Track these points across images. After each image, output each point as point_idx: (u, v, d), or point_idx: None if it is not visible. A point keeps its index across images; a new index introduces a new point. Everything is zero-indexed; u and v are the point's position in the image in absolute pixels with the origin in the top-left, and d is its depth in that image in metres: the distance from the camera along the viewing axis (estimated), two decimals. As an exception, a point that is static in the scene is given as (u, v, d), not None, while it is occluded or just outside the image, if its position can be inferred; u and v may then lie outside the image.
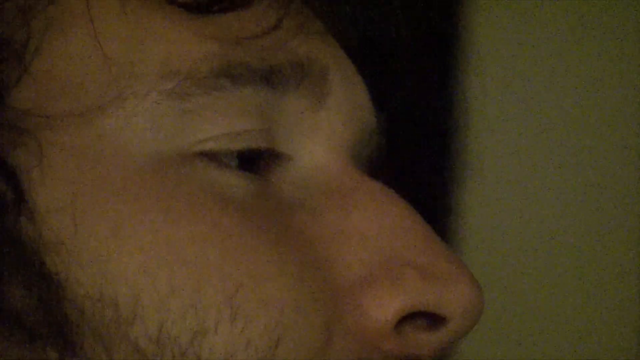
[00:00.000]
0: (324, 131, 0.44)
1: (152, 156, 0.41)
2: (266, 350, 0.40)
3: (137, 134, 0.41)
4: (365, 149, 0.47)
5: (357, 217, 0.43)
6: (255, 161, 0.43)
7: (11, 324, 0.39)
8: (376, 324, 0.42)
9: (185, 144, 0.41)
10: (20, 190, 0.39)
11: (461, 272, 0.43)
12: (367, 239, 0.43)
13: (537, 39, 1.08)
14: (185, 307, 0.39)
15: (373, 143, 0.47)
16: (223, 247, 0.40)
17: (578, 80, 1.07)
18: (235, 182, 0.42)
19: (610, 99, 1.07)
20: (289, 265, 0.41)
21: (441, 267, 0.43)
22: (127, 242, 0.40)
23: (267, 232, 0.42)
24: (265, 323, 0.40)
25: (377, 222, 0.44)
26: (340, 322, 0.42)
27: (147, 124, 0.41)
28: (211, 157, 0.41)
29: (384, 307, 0.42)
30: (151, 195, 0.40)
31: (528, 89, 1.09)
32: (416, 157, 1.02)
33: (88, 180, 0.40)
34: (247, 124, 0.42)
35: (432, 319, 0.43)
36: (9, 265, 0.39)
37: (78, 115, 0.40)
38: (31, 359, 0.39)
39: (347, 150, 0.45)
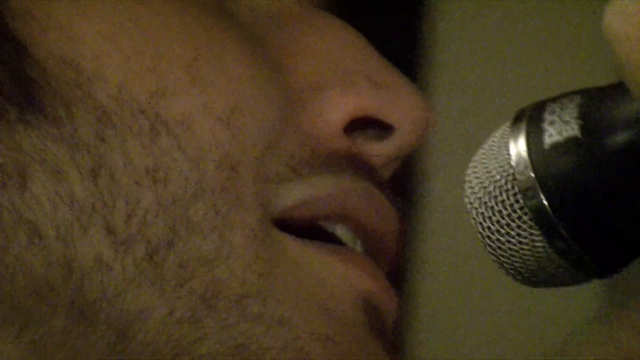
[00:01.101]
0: None
1: None
2: (222, 115, 0.42)
3: None
4: None
5: (311, 35, 0.46)
6: None
7: None
8: (327, 123, 0.45)
9: None
10: None
11: (409, 85, 0.46)
12: (320, 53, 0.46)
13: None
14: (145, 68, 0.42)
15: None
16: (183, 20, 0.43)
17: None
18: None
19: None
20: (247, 46, 0.44)
21: (391, 79, 0.46)
22: (89, 10, 0.42)
23: (225, 20, 0.44)
24: (223, 89, 0.43)
25: (330, 40, 0.46)
26: (293, 119, 0.44)
27: None
28: None
29: (335, 107, 0.45)
30: None
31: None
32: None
33: None
34: None
35: (382, 130, 0.45)
36: None
37: None
38: None
39: None
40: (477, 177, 0.39)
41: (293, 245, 0.44)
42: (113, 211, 0.41)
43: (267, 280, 0.43)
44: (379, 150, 0.45)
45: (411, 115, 0.45)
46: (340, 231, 0.45)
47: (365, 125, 0.45)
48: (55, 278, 0.41)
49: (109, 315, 0.41)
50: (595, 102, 0.37)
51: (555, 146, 0.37)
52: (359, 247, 0.46)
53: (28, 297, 0.41)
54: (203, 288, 0.42)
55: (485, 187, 0.39)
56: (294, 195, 0.44)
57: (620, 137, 0.37)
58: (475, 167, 0.40)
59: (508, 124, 0.39)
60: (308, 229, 0.45)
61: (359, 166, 0.45)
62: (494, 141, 0.40)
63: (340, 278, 0.44)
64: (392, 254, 0.46)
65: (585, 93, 0.38)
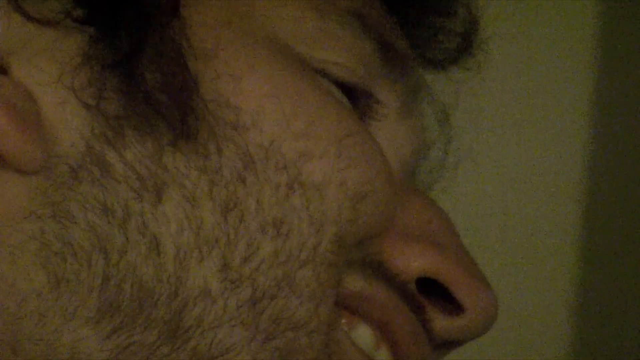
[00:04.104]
0: (398, 140, 0.50)
1: (282, 43, 0.46)
2: (353, 195, 0.44)
3: (282, 23, 0.47)
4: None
5: (420, 201, 0.49)
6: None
7: (140, 98, 0.43)
8: (405, 264, 0.46)
9: (310, 56, 0.47)
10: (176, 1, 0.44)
11: (487, 282, 0.48)
12: (424, 217, 0.48)
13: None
14: (299, 131, 0.44)
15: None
16: (336, 102, 0.46)
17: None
18: (339, 96, 0.47)
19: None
20: (385, 157, 0.47)
21: (473, 267, 0.48)
22: (258, 69, 0.45)
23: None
24: (361, 173, 0.45)
25: (434, 213, 0.49)
26: (387, 238, 0.46)
27: (292, 22, 0.47)
28: (323, 74, 0.47)
29: (421, 257, 0.47)
30: (283, 54, 0.46)
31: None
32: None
33: (235, 24, 0.46)
34: (357, 68, 0.47)
35: (451, 309, 0.47)
36: (155, 53, 0.43)
37: None
38: (146, 132, 0.43)
39: (407, 166, 0.51)
40: None
41: (349, 345, 0.45)
42: (233, 250, 0.42)
43: None
44: (441, 321, 0.47)
45: (484, 306, 0.47)
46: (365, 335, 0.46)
47: (437, 293, 0.47)
48: (161, 295, 0.41)
49: (197, 346, 0.42)
50: None
51: None
52: (383, 354, 0.47)
53: (130, 305, 0.41)
54: (285, 350, 0.42)
55: None
56: (355, 285, 0.45)
57: None
58: None
59: None
60: None
61: (415, 310, 0.46)
62: None
63: None
64: None
65: None
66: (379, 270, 0.46)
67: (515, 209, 1.06)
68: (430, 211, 0.49)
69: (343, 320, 0.45)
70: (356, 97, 0.48)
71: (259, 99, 0.44)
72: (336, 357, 0.44)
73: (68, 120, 0.42)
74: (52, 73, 0.42)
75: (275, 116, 0.44)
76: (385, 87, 0.49)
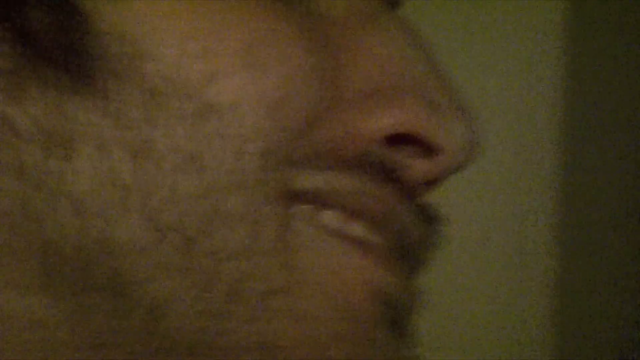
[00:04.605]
0: None
1: None
2: (271, 104, 0.41)
3: None
4: None
5: (376, 37, 0.45)
6: None
7: (32, 47, 0.40)
8: (368, 130, 0.43)
9: None
10: None
11: (463, 109, 0.45)
12: (381, 59, 0.44)
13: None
14: (199, 50, 0.40)
15: None
16: (243, 4, 0.42)
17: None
18: None
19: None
20: (306, 36, 0.42)
21: (446, 100, 0.44)
22: None
23: (292, 10, 0.43)
24: (275, 78, 0.41)
25: (393, 47, 0.45)
26: (335, 115, 0.43)
27: None
28: None
29: (381, 118, 0.43)
30: None
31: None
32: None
33: None
34: None
35: (425, 150, 0.44)
36: None
37: None
38: (45, 82, 0.40)
39: None
40: None
41: (312, 232, 0.42)
42: (152, 196, 0.39)
43: (290, 273, 0.41)
44: (421, 168, 0.44)
45: (460, 142, 0.44)
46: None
47: (407, 141, 0.44)
48: (94, 254, 0.40)
49: (141, 299, 0.40)
50: None
51: None
52: (355, 229, 0.44)
53: (67, 268, 0.40)
54: (229, 282, 0.40)
55: None
56: (312, 183, 0.42)
57: None
58: None
59: None
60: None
61: (391, 176, 0.44)
62: None
63: (358, 272, 0.43)
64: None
65: None
66: (338, 154, 0.43)
67: (489, 209, 1.06)
68: (390, 48, 0.45)
69: (305, 207, 0.42)
70: None
71: (154, 24, 0.40)
72: (300, 253, 0.42)
73: None
74: None
75: (173, 39, 0.40)
76: None
